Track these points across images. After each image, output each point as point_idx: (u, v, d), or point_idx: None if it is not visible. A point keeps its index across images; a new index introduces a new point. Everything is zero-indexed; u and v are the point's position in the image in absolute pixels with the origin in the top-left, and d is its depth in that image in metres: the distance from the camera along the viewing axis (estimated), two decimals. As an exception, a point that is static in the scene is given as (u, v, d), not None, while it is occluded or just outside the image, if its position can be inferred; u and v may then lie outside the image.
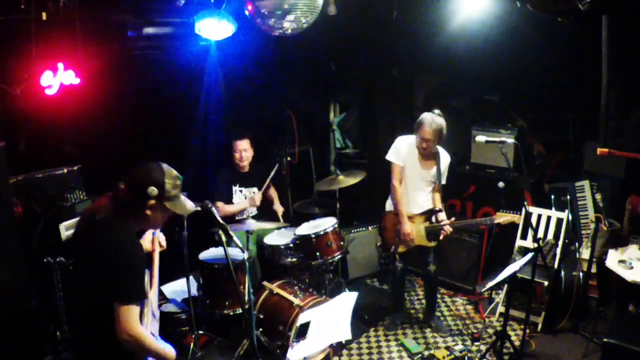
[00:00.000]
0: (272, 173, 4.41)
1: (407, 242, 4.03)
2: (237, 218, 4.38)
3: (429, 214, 4.07)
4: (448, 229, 3.96)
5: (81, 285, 2.20)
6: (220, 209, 4.28)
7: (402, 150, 4.03)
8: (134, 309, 2.05)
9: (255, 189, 4.51)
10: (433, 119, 3.83)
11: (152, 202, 2.15)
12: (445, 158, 4.07)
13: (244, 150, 4.36)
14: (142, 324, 2.22)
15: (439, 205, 4.10)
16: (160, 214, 2.21)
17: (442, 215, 4.06)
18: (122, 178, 2.18)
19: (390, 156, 4.08)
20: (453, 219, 4.01)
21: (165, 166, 2.21)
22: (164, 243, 2.68)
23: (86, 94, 3.52)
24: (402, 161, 4.03)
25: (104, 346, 2.10)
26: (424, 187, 4.05)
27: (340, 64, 5.89)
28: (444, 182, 4.11)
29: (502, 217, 3.87)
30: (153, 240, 2.62)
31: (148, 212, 2.16)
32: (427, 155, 3.99)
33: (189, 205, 2.30)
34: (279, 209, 4.53)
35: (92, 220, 2.14)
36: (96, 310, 2.09)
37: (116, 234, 2.11)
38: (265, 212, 4.53)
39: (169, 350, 2.24)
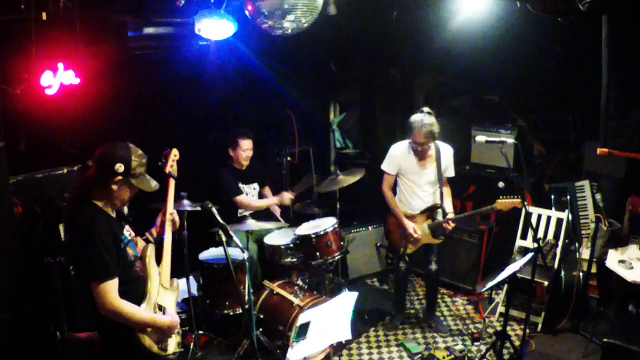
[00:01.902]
0: (308, 184, 4.57)
1: (414, 242, 4.04)
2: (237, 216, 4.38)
3: (430, 212, 4.07)
4: (448, 223, 3.95)
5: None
6: (244, 203, 4.29)
7: (396, 159, 4.03)
8: (108, 284, 2.20)
9: (255, 185, 4.52)
10: (422, 121, 3.80)
11: (119, 177, 2.31)
12: (446, 151, 4.04)
13: (250, 150, 4.38)
14: (145, 298, 2.39)
15: (449, 199, 4.09)
16: (125, 190, 2.37)
17: (448, 207, 4.03)
18: (91, 157, 2.36)
19: (384, 166, 4.10)
20: (452, 214, 4.00)
21: (131, 145, 2.39)
22: (177, 219, 2.80)
23: (86, 94, 3.52)
24: (396, 169, 4.05)
25: (99, 318, 2.27)
26: (427, 187, 4.04)
27: (340, 64, 5.89)
28: (451, 174, 4.09)
29: (503, 204, 3.80)
30: (161, 222, 2.76)
31: (114, 187, 2.32)
32: (425, 154, 3.98)
33: (154, 184, 2.47)
34: (276, 209, 4.53)
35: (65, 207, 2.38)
36: (85, 289, 2.26)
37: (75, 216, 2.29)
38: (264, 211, 4.54)
39: (162, 319, 2.40)
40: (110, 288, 2.20)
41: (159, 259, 2.64)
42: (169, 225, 2.74)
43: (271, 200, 4.46)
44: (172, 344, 2.50)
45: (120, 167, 2.29)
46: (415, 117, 3.86)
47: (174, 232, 2.77)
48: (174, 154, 2.94)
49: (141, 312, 2.34)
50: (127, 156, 2.32)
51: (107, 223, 2.32)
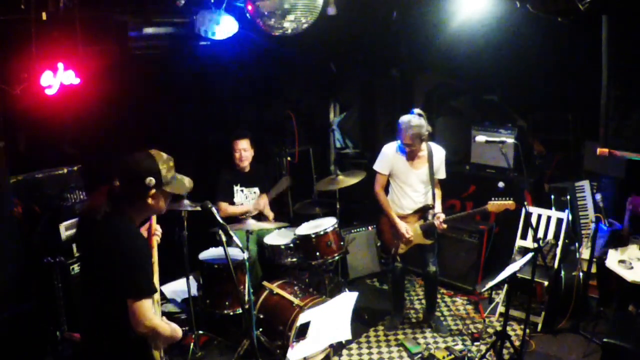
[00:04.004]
0: (282, 187, 4.52)
1: (406, 242, 4.03)
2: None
3: (422, 212, 4.07)
4: (440, 224, 3.95)
5: (91, 285, 2.23)
6: (223, 209, 4.29)
7: (388, 159, 4.03)
8: (147, 302, 2.09)
9: (256, 189, 4.51)
10: (410, 123, 3.80)
11: (153, 191, 2.16)
12: (438, 153, 4.04)
13: (244, 150, 4.35)
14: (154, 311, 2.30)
15: (439, 201, 4.10)
16: (161, 199, 2.24)
17: (437, 208, 4.04)
18: (114, 174, 2.19)
19: (376, 166, 4.10)
20: (443, 215, 4.00)
21: (154, 152, 2.21)
22: (158, 230, 2.65)
23: (86, 94, 3.52)
24: (388, 169, 4.05)
25: (116, 340, 2.17)
26: (419, 187, 4.04)
27: (340, 64, 5.89)
28: (442, 176, 4.10)
29: (495, 205, 3.83)
30: (149, 227, 2.60)
31: (150, 201, 2.18)
32: (415, 155, 3.98)
33: (187, 182, 2.32)
34: (269, 214, 4.50)
35: (93, 221, 2.14)
36: (108, 307, 2.13)
37: (118, 231, 2.12)
38: (258, 214, 4.53)
39: (177, 330, 2.32)
40: (149, 305, 2.11)
41: None
42: (153, 234, 2.61)
43: (245, 207, 4.38)
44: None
45: (151, 181, 2.12)
46: (404, 119, 3.86)
47: (158, 245, 2.64)
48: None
49: (167, 325, 2.26)
50: (154, 166, 2.15)
51: (145, 240, 2.29)
